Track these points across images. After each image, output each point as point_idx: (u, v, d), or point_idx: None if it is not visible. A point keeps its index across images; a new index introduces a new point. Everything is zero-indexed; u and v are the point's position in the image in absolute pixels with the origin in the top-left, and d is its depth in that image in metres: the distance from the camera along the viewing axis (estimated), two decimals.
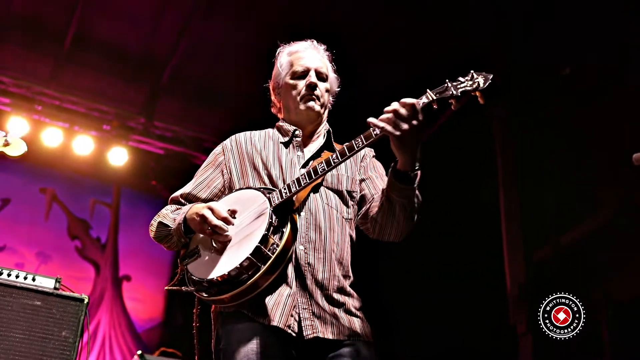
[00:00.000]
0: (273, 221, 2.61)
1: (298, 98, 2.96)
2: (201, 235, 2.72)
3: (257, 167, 2.88)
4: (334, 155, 2.66)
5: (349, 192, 2.91)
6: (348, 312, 2.70)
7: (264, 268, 2.53)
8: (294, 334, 2.57)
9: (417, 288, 7.39)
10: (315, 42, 3.11)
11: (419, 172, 2.61)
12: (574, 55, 6.28)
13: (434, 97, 2.57)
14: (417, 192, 2.67)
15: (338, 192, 2.88)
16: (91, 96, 8.15)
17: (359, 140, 2.61)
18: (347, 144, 2.65)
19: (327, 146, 2.99)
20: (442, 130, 6.63)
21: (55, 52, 7.63)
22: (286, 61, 3.04)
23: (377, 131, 2.52)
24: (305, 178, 2.67)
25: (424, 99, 2.56)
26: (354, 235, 2.90)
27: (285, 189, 2.68)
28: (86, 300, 3.92)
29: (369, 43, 7.06)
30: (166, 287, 2.81)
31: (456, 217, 7.07)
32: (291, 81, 2.99)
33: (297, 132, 2.97)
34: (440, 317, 7.10)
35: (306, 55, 3.03)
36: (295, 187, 2.67)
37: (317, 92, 2.96)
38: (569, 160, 6.42)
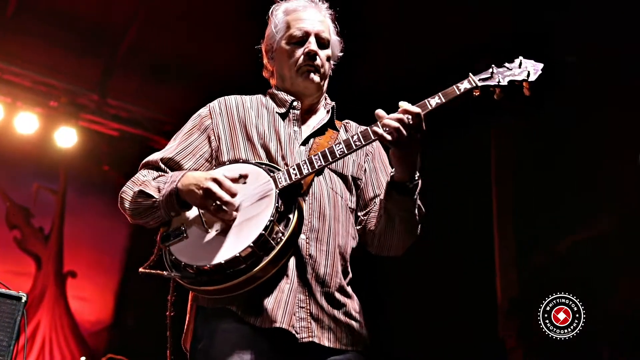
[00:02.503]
0: (279, 206, 2.46)
1: (295, 68, 2.84)
2: (188, 213, 2.56)
3: (252, 138, 2.73)
4: (355, 138, 2.55)
5: (354, 179, 2.82)
6: (348, 315, 2.60)
7: (266, 260, 2.40)
8: (297, 335, 2.45)
9: (403, 299, 7.40)
10: None
11: (419, 181, 2.57)
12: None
13: (477, 84, 2.55)
14: (418, 202, 2.63)
15: (343, 177, 2.77)
16: (37, 68, 7.96)
17: (369, 134, 2.54)
18: (362, 130, 2.56)
19: (329, 123, 2.87)
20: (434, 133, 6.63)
21: None
22: (282, 21, 2.91)
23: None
24: (320, 160, 2.55)
25: (465, 84, 2.54)
26: (355, 229, 2.80)
27: (294, 169, 2.54)
28: (24, 299, 3.84)
29: None
30: (141, 270, 2.60)
31: (446, 225, 7.13)
32: (287, 46, 2.87)
33: (295, 104, 2.85)
34: (426, 328, 7.08)
35: (305, 16, 2.89)
36: (307, 169, 2.55)
37: (318, 61, 2.83)
38: (566, 166, 6.43)
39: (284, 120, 2.83)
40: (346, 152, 2.56)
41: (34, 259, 8.66)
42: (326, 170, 2.73)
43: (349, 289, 2.69)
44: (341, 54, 3.04)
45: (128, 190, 2.69)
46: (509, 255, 7.16)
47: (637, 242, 5.71)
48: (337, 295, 2.60)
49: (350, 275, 2.74)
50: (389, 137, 2.45)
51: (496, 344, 6.85)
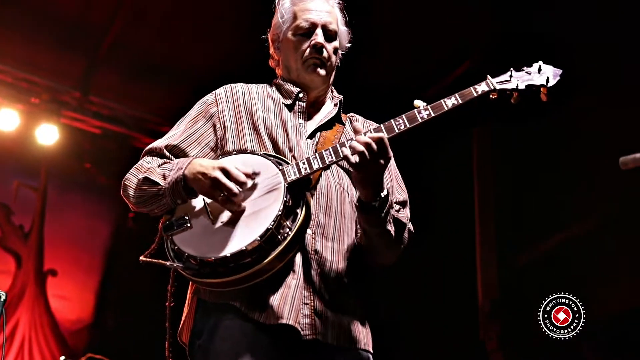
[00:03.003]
0: (287, 200, 2.42)
1: (301, 60, 2.80)
2: (193, 201, 2.52)
3: (258, 128, 2.68)
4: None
5: None
6: (352, 313, 2.57)
7: (272, 254, 2.36)
8: (301, 332, 2.41)
9: (383, 301, 7.37)
10: None
11: (387, 198, 2.50)
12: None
13: (495, 87, 2.52)
14: (391, 217, 2.57)
15: (349, 172, 2.70)
16: (18, 64, 7.87)
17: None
18: (375, 128, 2.54)
19: (335, 116, 2.83)
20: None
21: None
22: (289, 11, 2.86)
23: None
24: (331, 155, 2.51)
25: (483, 87, 2.53)
26: None
27: (304, 163, 2.50)
28: (3, 297, 3.79)
29: None
30: (141, 258, 2.55)
31: (427, 225, 7.11)
32: (293, 38, 2.83)
33: (301, 95, 2.80)
34: (406, 329, 7.07)
35: (313, 7, 2.84)
36: (318, 164, 2.50)
37: (325, 54, 2.79)
38: (550, 164, 6.45)
39: (290, 112, 2.79)
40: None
41: (14, 256, 8.55)
42: (334, 165, 2.68)
43: (354, 286, 2.65)
44: (349, 45, 2.99)
45: (132, 178, 2.64)
46: (490, 256, 7.15)
47: (617, 242, 5.74)
48: (342, 293, 2.57)
49: (356, 273, 2.69)
50: (352, 160, 2.42)
51: (477, 346, 6.82)
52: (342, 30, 2.94)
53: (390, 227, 2.61)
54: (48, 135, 8.07)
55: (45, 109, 8.04)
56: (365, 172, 2.44)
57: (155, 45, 7.61)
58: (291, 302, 2.43)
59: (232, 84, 2.86)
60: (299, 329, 2.43)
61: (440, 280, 7.10)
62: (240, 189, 2.43)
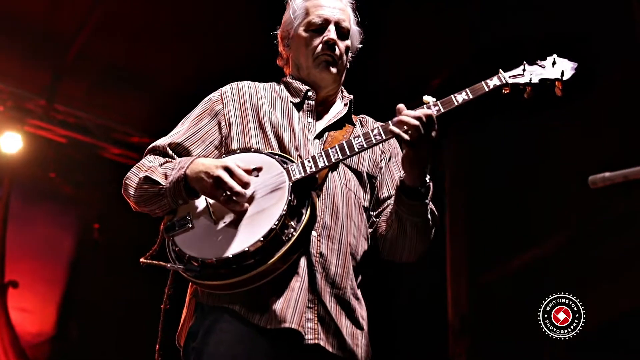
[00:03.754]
0: (292, 199, 2.36)
1: (312, 57, 2.76)
2: (195, 202, 2.46)
3: (264, 127, 2.64)
4: (375, 132, 2.46)
5: (370, 176, 2.74)
6: (354, 322, 2.53)
7: (276, 255, 2.31)
8: (305, 336, 2.36)
9: None
10: None
11: (430, 185, 2.50)
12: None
13: (507, 81, 2.48)
14: (430, 206, 2.55)
15: (358, 174, 2.68)
16: None
17: (375, 132, 2.48)
18: (383, 125, 2.50)
19: (345, 117, 2.79)
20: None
21: None
22: (301, 7, 2.82)
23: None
24: (337, 153, 2.45)
25: (494, 81, 2.48)
26: (368, 229, 2.70)
27: (309, 161, 2.45)
28: None
29: None
30: (142, 260, 2.48)
31: None
32: (305, 34, 2.79)
33: (310, 94, 2.75)
34: (377, 347, 7.04)
35: (326, 3, 2.81)
36: (324, 162, 2.45)
37: (337, 51, 2.74)
38: (520, 179, 6.47)
39: (298, 111, 2.74)
40: (365, 146, 2.48)
41: None
42: (340, 166, 2.64)
43: (358, 292, 2.62)
44: (360, 46, 2.96)
45: (133, 177, 2.59)
46: (460, 272, 7.15)
47: (584, 261, 5.79)
48: (347, 298, 2.53)
49: (361, 277, 2.66)
50: (406, 137, 2.38)
51: None
52: (354, 29, 2.91)
53: (430, 217, 2.59)
54: (12, 143, 7.95)
55: (10, 116, 7.92)
56: (418, 148, 2.40)
57: (122, 54, 7.56)
58: (294, 305, 2.37)
59: (239, 82, 2.83)
60: (303, 333, 2.38)
61: (409, 295, 7.08)
62: (244, 189, 2.39)
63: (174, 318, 2.64)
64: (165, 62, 7.44)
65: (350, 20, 2.88)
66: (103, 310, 7.93)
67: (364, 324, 2.61)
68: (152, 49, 7.40)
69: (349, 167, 2.70)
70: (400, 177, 2.56)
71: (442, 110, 2.48)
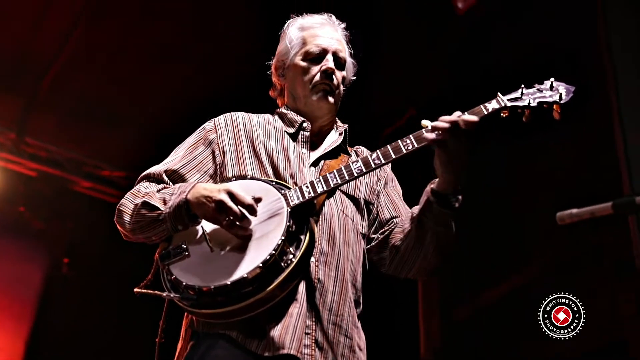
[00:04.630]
0: (291, 225, 2.35)
1: (309, 86, 2.77)
2: (191, 229, 2.43)
3: (259, 154, 2.63)
4: (374, 156, 2.48)
5: (367, 202, 2.74)
6: (352, 351, 2.50)
7: (275, 282, 2.28)
8: None
9: None
10: (333, 17, 2.92)
11: (460, 197, 2.49)
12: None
13: (506, 104, 2.49)
14: (453, 222, 2.54)
15: (354, 200, 2.68)
16: None
17: (408, 142, 2.48)
18: (391, 145, 2.50)
19: (340, 146, 2.80)
20: None
21: None
22: (298, 37, 2.84)
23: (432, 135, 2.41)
24: (336, 178, 2.46)
25: (493, 104, 2.49)
26: (366, 255, 2.70)
27: (307, 186, 2.45)
28: None
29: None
30: (136, 290, 2.43)
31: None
32: (303, 63, 2.80)
33: (305, 125, 2.76)
34: None
35: (323, 33, 2.84)
36: (322, 187, 2.46)
37: (334, 81, 2.76)
38: (490, 216, 6.54)
39: (293, 141, 2.75)
40: (364, 170, 2.50)
41: None
42: (337, 192, 2.63)
43: (358, 322, 2.60)
44: (354, 78, 2.98)
45: (128, 203, 2.57)
46: (432, 306, 7.15)
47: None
48: (344, 326, 2.50)
49: (362, 307, 2.65)
50: (439, 137, 2.39)
51: None
52: (349, 61, 2.94)
53: (451, 232, 2.58)
54: None
55: None
56: (454, 151, 2.42)
57: (93, 87, 7.55)
58: (293, 331, 2.34)
59: (232, 112, 2.82)
60: (300, 359, 2.35)
61: (382, 329, 7.07)
62: (247, 213, 2.37)
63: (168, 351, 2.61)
64: (136, 97, 7.44)
65: (346, 52, 2.91)
66: (72, 345, 7.84)
67: (361, 355, 2.58)
68: (123, 82, 7.41)
69: (346, 193, 2.70)
70: (431, 184, 2.57)
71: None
